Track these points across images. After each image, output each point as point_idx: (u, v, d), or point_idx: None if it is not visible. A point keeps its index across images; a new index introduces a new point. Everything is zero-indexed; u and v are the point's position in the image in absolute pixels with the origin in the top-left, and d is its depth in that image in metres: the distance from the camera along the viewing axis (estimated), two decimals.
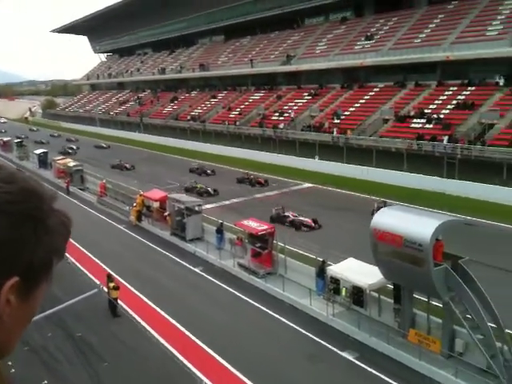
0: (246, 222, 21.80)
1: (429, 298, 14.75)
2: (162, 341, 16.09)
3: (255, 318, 17.77)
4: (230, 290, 19.99)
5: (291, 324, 16.82)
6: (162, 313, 18.11)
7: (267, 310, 17.94)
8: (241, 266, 21.77)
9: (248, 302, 18.78)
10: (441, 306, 14.14)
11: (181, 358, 15.00)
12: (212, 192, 35.57)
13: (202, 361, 14.85)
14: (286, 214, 28.08)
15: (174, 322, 17.39)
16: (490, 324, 12.97)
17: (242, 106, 60.60)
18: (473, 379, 12.72)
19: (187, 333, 16.51)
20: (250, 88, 65.23)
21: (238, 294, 19.48)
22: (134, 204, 30.46)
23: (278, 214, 27.97)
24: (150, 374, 14.31)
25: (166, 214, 27.59)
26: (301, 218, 27.37)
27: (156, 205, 29.22)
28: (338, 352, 15.00)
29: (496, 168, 30.59)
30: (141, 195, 30.54)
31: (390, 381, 13.37)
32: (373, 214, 24.09)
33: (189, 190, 35.48)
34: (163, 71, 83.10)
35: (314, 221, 26.93)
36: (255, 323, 17.35)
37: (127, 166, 48.14)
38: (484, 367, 12.85)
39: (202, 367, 14.44)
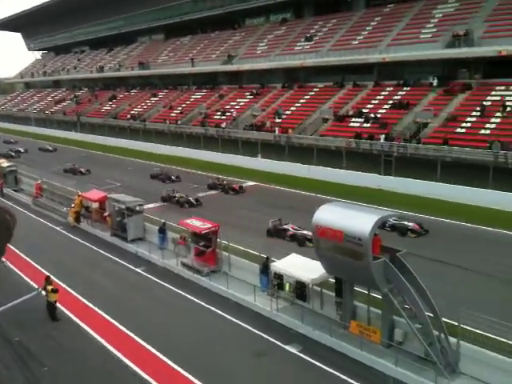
0: (189, 221, 21.64)
1: (369, 290, 15.17)
2: (104, 342, 15.71)
3: (199, 315, 17.65)
4: (174, 289, 19.77)
5: (236, 320, 16.85)
6: (103, 314, 17.68)
7: (212, 308, 17.88)
8: (184, 265, 21.59)
9: (192, 301, 18.64)
10: (380, 297, 14.54)
11: (123, 358, 14.72)
12: (194, 202, 31.63)
13: (146, 360, 14.61)
14: (285, 226, 24.95)
15: (115, 322, 17.01)
16: (427, 313, 13.47)
17: (184, 105, 60.09)
18: (412, 367, 13.21)
19: (130, 333, 16.19)
20: (192, 87, 64.75)
21: (182, 293, 19.30)
22: (72, 205, 29.55)
23: (275, 227, 25.03)
24: (91, 375, 13.96)
25: (106, 214, 26.97)
26: (304, 232, 23.78)
27: (95, 205, 28.44)
28: (283, 346, 15.17)
29: (430, 165, 31.89)
30: (79, 196, 29.69)
31: (333, 372, 13.66)
32: None
33: (166, 200, 32.34)
34: (101, 69, 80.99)
35: None
36: (199, 321, 17.24)
37: (82, 170, 44.11)
38: (422, 355, 13.35)
39: (145, 366, 14.21)
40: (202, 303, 18.33)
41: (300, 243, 23.49)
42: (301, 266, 17.18)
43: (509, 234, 23.97)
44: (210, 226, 20.79)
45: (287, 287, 17.43)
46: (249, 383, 13.57)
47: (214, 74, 61.33)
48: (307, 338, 15.53)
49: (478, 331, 13.43)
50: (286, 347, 15.10)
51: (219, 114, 52.87)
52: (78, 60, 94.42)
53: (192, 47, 69.50)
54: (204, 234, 20.72)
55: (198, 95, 61.61)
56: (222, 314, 17.41)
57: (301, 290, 17.01)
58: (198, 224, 21.06)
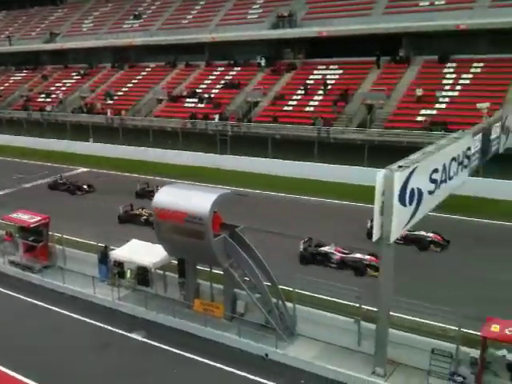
0: (15, 215, 19.82)
1: (211, 267, 15.43)
2: None
3: (32, 315, 16.36)
4: (1, 290, 18.01)
5: (75, 315, 16.00)
6: None
7: (46, 305, 16.72)
8: (12, 263, 19.79)
9: (23, 300, 17.24)
10: (222, 273, 14.86)
11: None
12: None
13: None
14: (327, 249, 19.15)
15: None
16: (265, 283, 14.10)
17: (2, 88, 54.57)
18: (254, 335, 13.81)
19: None
20: (10, 67, 58.95)
21: (11, 293, 17.71)
22: None
23: (313, 252, 19.16)
24: None
25: None
26: (357, 256, 18.42)
27: None
28: (126, 334, 14.80)
29: (262, 143, 33.24)
30: None
31: (179, 351, 13.71)
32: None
33: (125, 220, 23.69)
34: None
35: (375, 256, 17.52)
36: (33, 321, 15.95)
37: None
38: (263, 323, 14.04)
39: None
40: (35, 302, 17.02)
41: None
42: (141, 252, 16.78)
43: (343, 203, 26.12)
44: (39, 218, 19.27)
45: (128, 274, 17.01)
46: (92, 378, 12.92)
47: (36, 53, 56.44)
48: (152, 323, 15.35)
49: (313, 295, 14.42)
50: (130, 335, 14.77)
51: (43, 96, 49.07)
52: None
53: (8, 24, 63.39)
54: (33, 228, 19.16)
55: (18, 76, 56.36)
56: (58, 310, 16.38)
57: (143, 275, 16.76)
58: (25, 217, 19.40)
